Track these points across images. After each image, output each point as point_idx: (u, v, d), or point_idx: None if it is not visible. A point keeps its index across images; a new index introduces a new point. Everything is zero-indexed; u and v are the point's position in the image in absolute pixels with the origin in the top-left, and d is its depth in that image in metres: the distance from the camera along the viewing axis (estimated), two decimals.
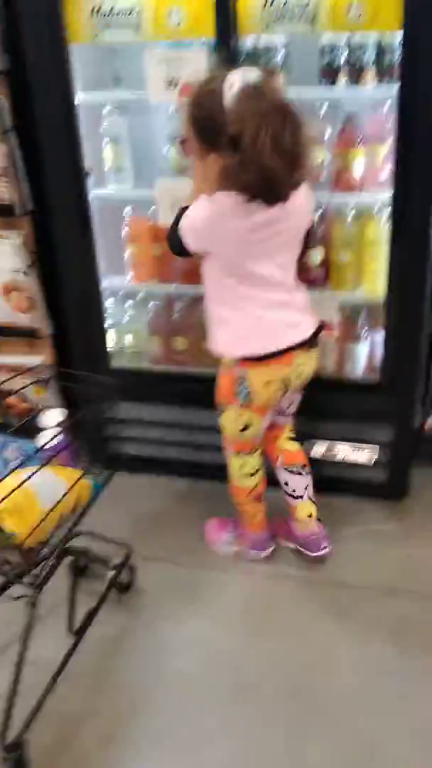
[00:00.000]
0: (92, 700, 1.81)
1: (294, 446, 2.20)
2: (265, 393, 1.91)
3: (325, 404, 2.30)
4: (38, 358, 2.59)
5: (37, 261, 2.42)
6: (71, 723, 1.74)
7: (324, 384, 2.23)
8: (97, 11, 2.02)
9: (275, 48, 2.00)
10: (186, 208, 1.80)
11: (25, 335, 2.57)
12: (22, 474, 1.56)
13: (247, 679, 1.86)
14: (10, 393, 2.67)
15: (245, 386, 1.89)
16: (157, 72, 2.03)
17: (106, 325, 2.52)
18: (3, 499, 1.45)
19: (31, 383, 2.54)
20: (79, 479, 1.69)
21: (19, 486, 1.51)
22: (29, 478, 1.56)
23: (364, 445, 2.39)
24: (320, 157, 2.05)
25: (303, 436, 2.27)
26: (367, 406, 2.33)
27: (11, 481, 1.56)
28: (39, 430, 2.07)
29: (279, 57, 2.01)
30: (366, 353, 2.33)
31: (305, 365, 1.93)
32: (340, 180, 2.10)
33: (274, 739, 1.70)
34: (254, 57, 2.00)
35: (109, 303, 2.52)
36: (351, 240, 2.18)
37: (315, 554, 2.21)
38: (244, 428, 1.99)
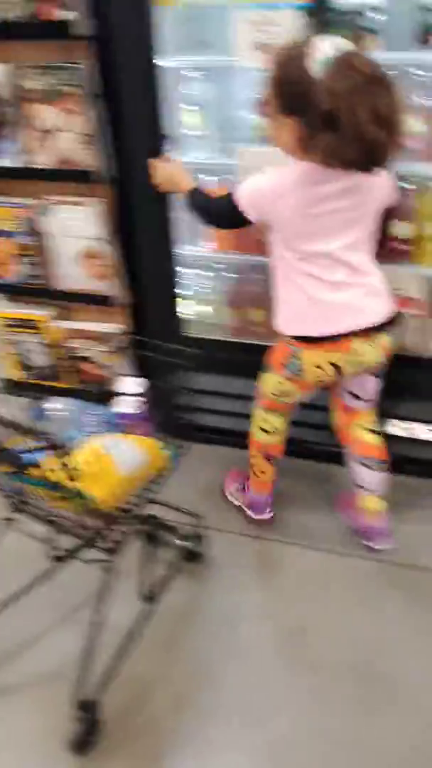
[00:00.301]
0: (163, 666, 1.83)
1: (370, 438, 2.09)
2: (315, 374, 1.87)
3: (403, 381, 2.24)
4: (113, 326, 2.60)
5: (118, 228, 2.41)
6: (143, 687, 1.77)
7: (402, 360, 2.18)
8: None
9: (369, 7, 1.91)
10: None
11: (100, 302, 2.57)
12: (102, 440, 1.57)
13: (313, 655, 1.85)
14: (84, 359, 2.71)
15: (297, 364, 1.87)
16: (245, 35, 1.97)
17: (182, 295, 2.50)
18: (82, 464, 1.47)
19: (109, 351, 2.56)
20: (158, 449, 1.69)
21: (99, 452, 1.52)
22: (109, 444, 1.57)
23: None
24: (413, 126, 1.96)
25: (379, 414, 2.21)
26: None
27: (91, 446, 1.57)
28: (114, 396, 2.08)
29: (372, 17, 1.92)
30: None
31: (366, 355, 1.83)
32: (430, 150, 2.01)
33: (338, 716, 1.69)
34: (347, 17, 1.92)
35: (186, 273, 2.50)
36: None
37: (373, 546, 2.16)
38: (281, 395, 1.99)
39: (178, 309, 2.51)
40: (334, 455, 2.23)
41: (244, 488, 2.32)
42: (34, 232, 2.48)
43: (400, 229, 2.13)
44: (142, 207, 2.32)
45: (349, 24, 1.92)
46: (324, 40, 1.51)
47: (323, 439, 2.21)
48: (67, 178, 2.33)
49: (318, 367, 1.84)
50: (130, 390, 1.80)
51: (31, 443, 1.46)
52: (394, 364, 1.98)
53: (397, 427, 2.36)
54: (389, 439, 2.23)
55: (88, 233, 2.41)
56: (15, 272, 2.60)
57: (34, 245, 2.51)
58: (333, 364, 1.83)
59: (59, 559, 1.95)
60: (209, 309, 2.53)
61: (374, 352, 1.84)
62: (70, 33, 2.05)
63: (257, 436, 2.14)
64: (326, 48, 1.48)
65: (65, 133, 2.25)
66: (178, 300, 2.50)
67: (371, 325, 1.80)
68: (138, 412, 1.69)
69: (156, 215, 2.32)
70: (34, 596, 1.93)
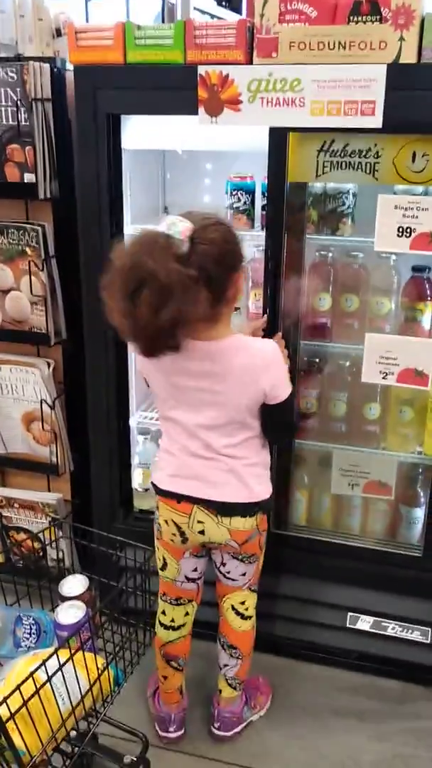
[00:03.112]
0: None
1: (233, 618, 1.89)
2: (166, 532, 1.76)
3: (373, 572, 2.06)
4: (54, 496, 2.36)
5: (64, 392, 2.24)
6: None
7: (371, 552, 2.02)
8: (326, 149, 1.80)
9: None
10: None
11: (42, 469, 2.35)
12: (40, 662, 1.28)
13: None
14: (19, 530, 2.44)
15: (157, 517, 1.79)
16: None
17: (133, 465, 2.31)
18: (21, 705, 1.19)
19: (46, 524, 2.30)
20: (103, 670, 1.42)
21: (41, 687, 1.24)
22: (50, 668, 1.29)
23: (414, 624, 2.11)
24: (387, 307, 1.91)
25: (344, 608, 2.00)
26: (422, 578, 2.07)
27: (28, 673, 1.28)
28: (46, 571, 1.78)
29: None
30: (423, 518, 2.10)
31: (208, 528, 1.70)
32: (408, 331, 1.95)
33: None
34: None
35: (138, 440, 2.32)
36: (413, 396, 2.00)
37: (216, 732, 1.98)
38: (162, 570, 1.84)
39: (128, 480, 2.30)
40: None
41: (155, 694, 2.04)
42: None
43: (370, 408, 2.04)
44: (95, 371, 2.16)
45: None
46: (171, 218, 1.43)
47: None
48: (16, 338, 2.18)
49: (166, 524, 1.75)
50: (72, 591, 1.54)
51: None
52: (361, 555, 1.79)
53: (365, 623, 2.14)
54: (358, 635, 2.01)
55: (34, 396, 2.23)
56: None
57: None
58: (176, 525, 1.72)
59: None
60: None
61: (218, 530, 1.70)
62: (35, 195, 1.97)
63: (158, 631, 1.92)
64: (162, 224, 1.42)
65: (19, 292, 2.12)
66: (129, 470, 2.29)
67: (213, 500, 1.68)
68: (81, 620, 1.43)
69: (110, 380, 2.15)
70: None
